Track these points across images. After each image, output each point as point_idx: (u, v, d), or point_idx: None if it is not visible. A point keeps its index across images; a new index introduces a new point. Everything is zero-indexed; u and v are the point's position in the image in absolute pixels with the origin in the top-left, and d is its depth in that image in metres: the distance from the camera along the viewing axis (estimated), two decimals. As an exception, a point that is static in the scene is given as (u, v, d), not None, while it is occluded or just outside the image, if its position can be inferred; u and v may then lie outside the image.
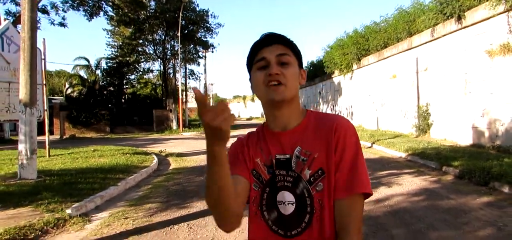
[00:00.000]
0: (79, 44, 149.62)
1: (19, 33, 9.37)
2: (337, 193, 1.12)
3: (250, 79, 1.27)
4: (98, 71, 36.15)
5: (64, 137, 24.45)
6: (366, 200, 1.17)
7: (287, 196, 1.18)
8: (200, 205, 5.82)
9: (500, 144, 10.33)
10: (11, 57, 9.51)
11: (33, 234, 4.50)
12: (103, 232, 4.76)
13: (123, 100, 35.13)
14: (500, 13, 10.03)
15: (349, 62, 22.67)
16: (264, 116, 1.29)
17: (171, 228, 4.81)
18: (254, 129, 1.32)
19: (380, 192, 6.36)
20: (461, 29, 11.98)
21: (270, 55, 1.17)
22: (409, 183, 7.10)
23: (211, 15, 32.07)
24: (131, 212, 5.60)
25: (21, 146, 7.09)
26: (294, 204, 1.17)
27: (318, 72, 29.49)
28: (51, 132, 26.11)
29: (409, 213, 5.17)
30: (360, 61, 21.54)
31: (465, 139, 11.87)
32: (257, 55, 1.20)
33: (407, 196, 6.16)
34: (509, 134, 10.06)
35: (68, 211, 5.31)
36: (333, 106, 27.91)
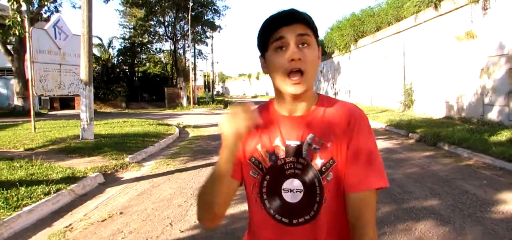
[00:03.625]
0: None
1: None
2: (353, 186, 1.07)
3: (263, 58, 1.16)
4: (110, 50, 38.27)
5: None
6: None
7: (296, 184, 1.11)
8: (218, 158, 8.00)
9: (464, 116, 12.41)
10: (61, 43, 11.70)
11: (109, 171, 6.72)
12: (154, 171, 6.97)
13: (135, 78, 37.34)
14: (466, 4, 11.97)
15: (347, 43, 24.57)
16: (274, 94, 1.20)
17: (200, 170, 6.99)
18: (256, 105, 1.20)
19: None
20: (437, 16, 13.90)
21: (290, 35, 1.05)
22: (379, 143, 9.21)
23: (219, -2, 33.83)
24: (170, 161, 7.81)
25: (82, 115, 9.32)
26: (302, 192, 1.11)
27: (321, 52, 31.33)
28: (72, 107, 28.63)
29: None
30: (357, 42, 23.44)
31: (440, 113, 13.93)
32: (274, 35, 1.06)
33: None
34: (471, 107, 12.11)
35: (127, 159, 7.55)
36: (333, 84, 29.90)
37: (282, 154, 1.12)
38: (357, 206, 1.06)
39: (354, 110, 1.14)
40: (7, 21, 5.42)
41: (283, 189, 1.12)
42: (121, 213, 4.58)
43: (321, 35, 28.42)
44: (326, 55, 30.12)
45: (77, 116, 20.41)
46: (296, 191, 1.11)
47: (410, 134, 10.42)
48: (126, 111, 28.10)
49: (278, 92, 1.14)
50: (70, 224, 4.24)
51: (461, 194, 5.02)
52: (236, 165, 1.14)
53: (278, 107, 1.17)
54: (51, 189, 5.05)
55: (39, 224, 4.25)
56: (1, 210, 4.19)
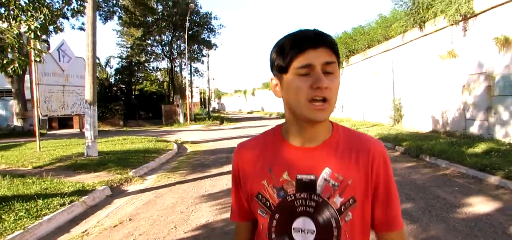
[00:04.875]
0: (81, 41, 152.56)
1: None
2: (386, 225, 1.07)
3: (277, 78, 1.08)
4: (107, 69, 39.00)
5: (83, 130, 27.17)
6: None
7: (307, 224, 1.03)
8: (215, 171, 8.59)
9: (449, 130, 13.08)
10: (65, 66, 12.36)
11: (115, 184, 7.29)
12: (157, 183, 7.54)
13: (132, 96, 38.04)
14: (447, 26, 12.73)
15: (339, 60, 25.34)
16: (286, 122, 1.12)
17: (199, 181, 7.58)
18: (254, 130, 1.51)
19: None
20: (422, 36, 14.68)
21: (317, 61, 0.98)
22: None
23: (214, 17, 34.87)
24: (170, 175, 8.38)
25: (87, 133, 9.91)
26: (314, 233, 1.02)
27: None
28: (71, 126, 29.11)
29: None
30: (349, 59, 24.25)
31: (426, 127, 14.60)
32: (299, 58, 0.99)
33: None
34: (455, 121, 12.79)
35: (130, 173, 8.12)
36: (327, 100, 30.63)
37: (291, 189, 1.04)
38: None
39: (375, 144, 1.10)
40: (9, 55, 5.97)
41: (293, 229, 1.04)
42: (130, 219, 5.15)
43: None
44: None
45: (77, 135, 21.01)
46: (307, 232, 1.03)
47: (396, 147, 11.06)
48: (124, 129, 28.61)
49: (293, 117, 1.06)
50: (86, 230, 4.80)
51: (433, 199, 5.63)
52: (244, 206, 1.15)
53: (288, 136, 1.09)
54: (66, 201, 5.62)
55: (58, 231, 4.81)
56: (25, 219, 4.76)
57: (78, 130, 26.98)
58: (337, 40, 25.65)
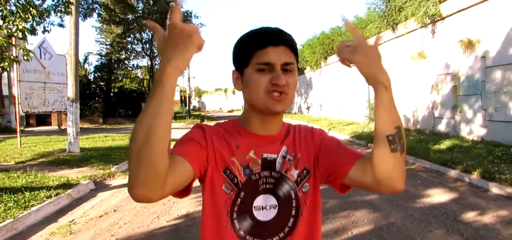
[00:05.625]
0: (61, 38, 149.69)
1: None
2: (346, 166, 1.05)
3: (239, 73, 1.11)
4: (86, 65, 38.62)
5: (62, 127, 26.99)
6: None
7: (268, 200, 1.07)
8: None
9: (419, 128, 13.76)
10: (46, 63, 12.45)
11: (98, 179, 7.55)
12: (139, 179, 7.82)
13: (111, 94, 37.79)
14: (417, 29, 13.39)
15: (318, 60, 25.98)
16: (245, 115, 1.14)
17: (180, 177, 7.90)
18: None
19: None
20: (395, 38, 15.33)
21: (277, 60, 1.02)
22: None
23: (195, 16, 35.03)
24: (152, 170, 8.67)
25: (69, 129, 10.09)
26: (276, 208, 1.07)
27: (293, 68, 32.82)
28: (49, 123, 28.85)
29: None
30: (326, 60, 24.87)
31: (399, 125, 15.23)
32: (259, 54, 1.03)
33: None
34: (424, 120, 13.47)
35: (113, 169, 8.37)
36: (306, 99, 31.27)
37: (256, 168, 1.07)
38: (361, 169, 1.03)
39: (315, 127, 1.24)
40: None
41: (254, 207, 1.06)
42: (114, 210, 5.47)
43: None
44: (299, 70, 31.47)
45: (55, 132, 20.97)
46: (270, 208, 1.07)
47: (369, 145, 11.62)
48: (104, 126, 28.52)
49: (252, 110, 1.10)
50: (72, 220, 5.10)
51: (396, 191, 6.13)
52: (200, 160, 1.01)
53: (248, 127, 1.12)
54: (52, 193, 5.88)
55: (46, 221, 5.09)
56: (14, 209, 5.02)
57: (57, 127, 26.83)
58: (315, 40, 26.30)
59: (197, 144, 1.02)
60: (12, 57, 6.29)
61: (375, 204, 5.41)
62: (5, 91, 24.41)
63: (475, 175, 6.61)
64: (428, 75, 13.01)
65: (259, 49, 1.03)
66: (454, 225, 4.47)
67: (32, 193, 5.78)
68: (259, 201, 1.06)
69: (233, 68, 1.13)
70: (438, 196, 5.82)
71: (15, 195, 5.61)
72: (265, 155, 1.08)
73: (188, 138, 1.04)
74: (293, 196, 1.09)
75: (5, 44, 5.76)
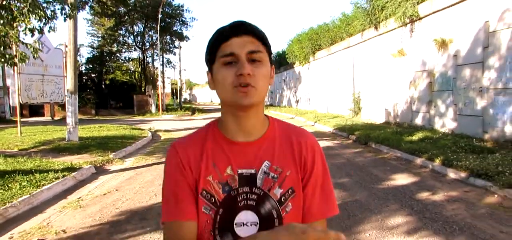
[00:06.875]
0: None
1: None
2: (310, 216, 1.06)
3: (210, 73, 1.08)
4: (78, 57, 38.99)
5: (55, 118, 27.48)
6: None
7: (250, 217, 1.04)
8: None
9: (399, 121, 14.61)
10: (44, 56, 13.00)
11: (99, 164, 8.25)
12: (136, 164, 8.55)
13: (103, 86, 38.27)
14: (397, 27, 14.21)
15: (306, 55, 26.76)
16: (222, 116, 1.10)
17: (173, 163, 8.62)
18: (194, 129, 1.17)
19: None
20: (378, 35, 16.13)
21: (240, 50, 0.99)
22: (322, 143, 11.10)
23: (186, 10, 35.71)
24: (147, 157, 9.40)
25: (68, 119, 10.76)
26: (258, 225, 1.04)
27: (283, 62, 33.60)
28: (42, 114, 29.27)
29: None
30: (314, 55, 25.65)
31: (381, 119, 16.12)
32: (223, 47, 1.01)
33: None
34: (403, 114, 14.32)
35: (111, 155, 9.09)
36: (295, 92, 32.05)
37: (234, 184, 1.04)
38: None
39: (307, 136, 1.14)
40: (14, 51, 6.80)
41: (235, 224, 1.04)
42: (116, 190, 6.20)
43: (283, 46, 30.47)
44: (288, 65, 32.28)
45: (50, 122, 21.53)
46: (251, 225, 1.04)
47: (349, 136, 12.44)
48: (97, 117, 29.07)
49: (225, 108, 1.07)
50: (80, 197, 5.81)
51: (366, 175, 6.95)
52: (191, 201, 1.03)
53: (226, 130, 1.08)
54: (59, 175, 6.59)
55: (56, 198, 5.80)
56: (28, 188, 5.72)
57: (50, 118, 27.33)
58: (304, 36, 27.03)
59: (182, 186, 1.03)
60: (22, 53, 6.95)
61: (345, 185, 6.20)
62: (-1, 82, 24.87)
63: (437, 162, 7.45)
64: (407, 72, 13.85)
65: (222, 42, 1.01)
66: (408, 202, 5.28)
67: (42, 174, 6.48)
68: (240, 217, 1.04)
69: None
70: (401, 179, 6.63)
71: (27, 176, 6.31)
72: (240, 171, 1.05)
73: (172, 188, 1.04)
74: (276, 216, 1.04)
75: (16, 42, 6.41)
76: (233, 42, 1.00)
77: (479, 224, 4.35)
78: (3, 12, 6.06)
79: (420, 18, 12.83)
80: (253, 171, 1.05)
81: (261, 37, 1.03)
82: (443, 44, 11.51)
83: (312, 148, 1.11)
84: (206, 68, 1.10)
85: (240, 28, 1.02)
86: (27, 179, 6.16)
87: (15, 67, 8.92)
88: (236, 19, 1.11)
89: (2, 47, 6.25)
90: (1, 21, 6.10)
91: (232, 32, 1.01)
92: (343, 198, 5.53)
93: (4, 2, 6.16)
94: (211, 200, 1.03)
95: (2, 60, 6.35)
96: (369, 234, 4.13)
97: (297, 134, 1.13)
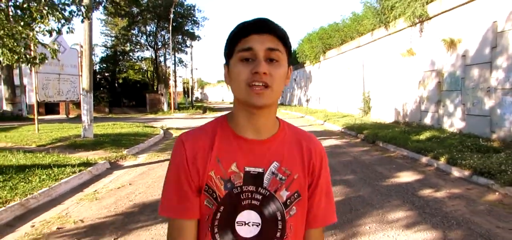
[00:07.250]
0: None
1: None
2: (315, 222, 1.09)
3: (227, 66, 1.07)
4: (92, 57, 39.68)
5: (70, 116, 28.06)
6: None
7: (252, 217, 1.03)
8: None
9: (408, 121, 14.70)
10: (60, 56, 13.40)
11: (113, 160, 8.56)
12: (148, 160, 8.85)
13: (116, 85, 38.88)
14: (407, 27, 14.29)
15: (317, 54, 26.89)
16: (233, 112, 1.09)
17: (184, 160, 8.90)
18: (205, 120, 1.19)
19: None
20: (387, 35, 16.22)
21: (259, 46, 0.98)
22: (330, 141, 11.34)
23: (198, 9, 36.16)
24: (159, 154, 9.69)
25: (84, 117, 11.14)
26: (260, 226, 1.03)
27: (294, 61, 33.70)
28: (57, 112, 29.92)
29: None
30: (325, 54, 25.77)
31: (390, 118, 16.21)
32: (242, 42, 1.00)
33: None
34: (412, 113, 14.41)
35: (125, 152, 9.40)
36: (305, 92, 32.18)
37: (238, 181, 1.02)
38: (315, 238, 1.11)
39: (315, 142, 1.14)
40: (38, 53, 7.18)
41: (237, 222, 1.02)
42: (130, 184, 6.48)
43: (294, 46, 30.57)
44: (298, 64, 32.42)
45: (65, 120, 22.06)
46: (252, 225, 1.02)
47: (358, 135, 12.58)
48: (110, 115, 29.58)
49: (239, 106, 1.05)
50: (95, 190, 6.11)
51: (371, 173, 7.12)
52: (195, 199, 1.04)
53: (236, 127, 1.07)
54: (76, 170, 6.90)
55: (73, 191, 6.10)
56: (47, 181, 6.04)
57: (65, 115, 27.96)
58: (314, 35, 27.16)
59: (182, 185, 1.05)
60: (42, 54, 7.31)
61: (350, 182, 6.39)
62: (16, 81, 25.49)
63: (442, 161, 7.58)
64: (416, 71, 13.93)
65: (242, 37, 1.00)
66: (410, 198, 5.45)
67: (59, 169, 6.80)
68: (242, 216, 1.03)
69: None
70: (406, 177, 6.79)
71: (46, 170, 6.63)
72: (247, 169, 1.03)
73: (175, 181, 1.06)
74: (280, 218, 1.04)
75: (36, 43, 6.77)
76: (253, 39, 0.99)
77: (477, 219, 4.52)
78: (24, 14, 6.39)
79: (429, 18, 12.90)
80: (260, 170, 1.04)
81: (282, 37, 1.02)
82: (451, 44, 11.58)
83: (320, 155, 1.13)
84: (224, 61, 1.10)
85: (261, 25, 1.00)
86: (46, 173, 6.48)
87: (34, 67, 9.29)
88: (257, 17, 1.06)
89: (23, 48, 6.60)
90: (22, 23, 6.45)
91: (252, 29, 1.00)
92: (346, 193, 5.72)
93: (25, 5, 6.50)
94: (213, 195, 1.03)
95: (22, 60, 6.70)
96: (369, 227, 4.32)
97: (306, 140, 1.13)
